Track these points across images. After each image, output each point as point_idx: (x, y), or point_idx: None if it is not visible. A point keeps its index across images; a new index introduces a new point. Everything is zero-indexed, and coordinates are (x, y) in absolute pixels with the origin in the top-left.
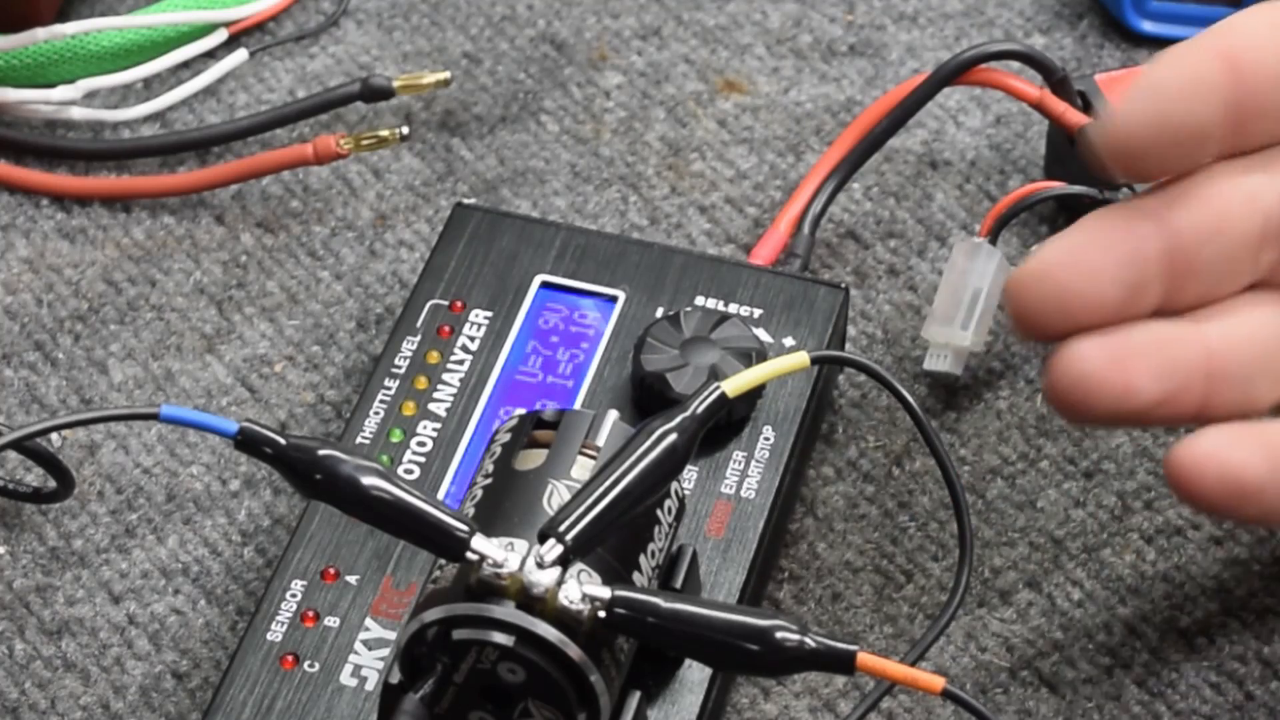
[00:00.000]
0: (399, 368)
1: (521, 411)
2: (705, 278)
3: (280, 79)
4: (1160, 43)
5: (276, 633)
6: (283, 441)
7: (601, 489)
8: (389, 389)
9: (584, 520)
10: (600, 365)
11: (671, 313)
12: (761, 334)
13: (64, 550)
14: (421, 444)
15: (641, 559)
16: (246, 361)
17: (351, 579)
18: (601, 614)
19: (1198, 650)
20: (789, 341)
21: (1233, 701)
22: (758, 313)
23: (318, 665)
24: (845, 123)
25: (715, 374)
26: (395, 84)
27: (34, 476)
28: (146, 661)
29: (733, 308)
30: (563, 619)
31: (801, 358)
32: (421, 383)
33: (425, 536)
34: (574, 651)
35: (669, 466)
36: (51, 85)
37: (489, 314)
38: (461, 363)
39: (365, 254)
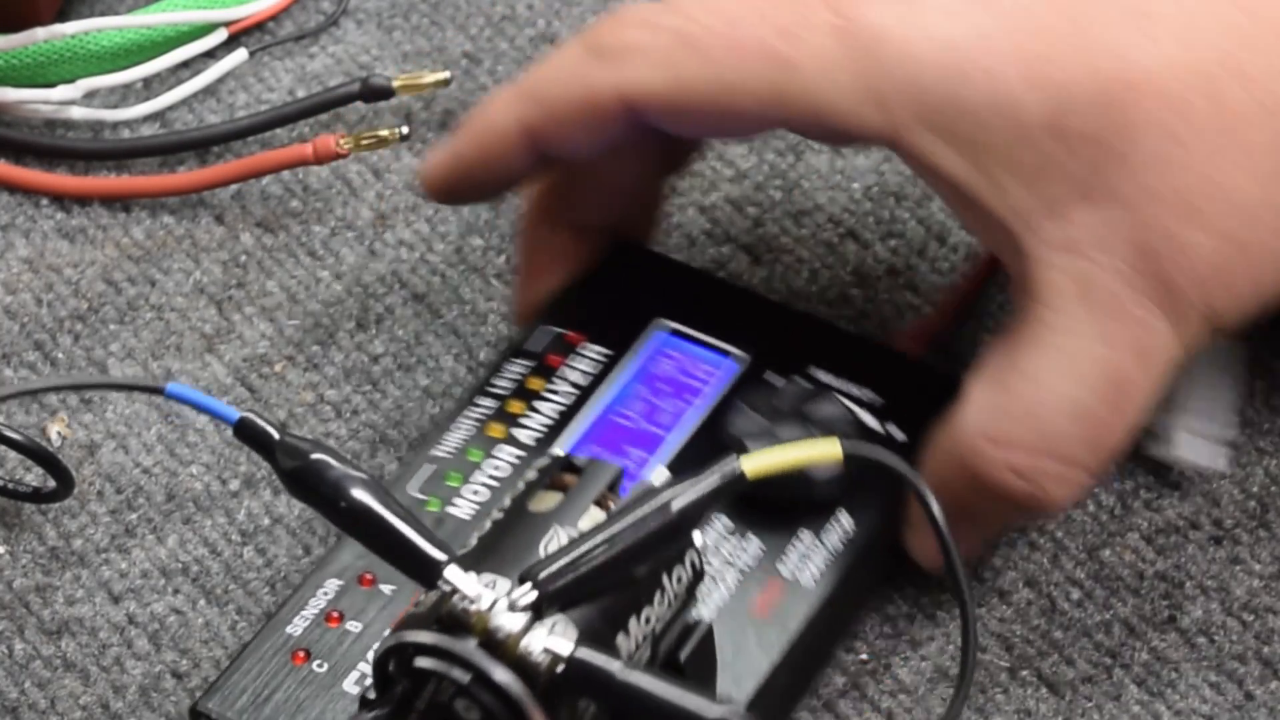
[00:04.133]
0: (498, 388)
1: (559, 453)
2: (835, 350)
3: (280, 79)
4: None
5: (297, 626)
6: (277, 436)
7: (591, 544)
8: (482, 407)
9: (567, 572)
10: (701, 423)
11: (775, 378)
12: (870, 419)
13: (64, 550)
14: (497, 468)
15: (633, 622)
16: (246, 361)
17: (387, 588)
18: (560, 669)
19: (1198, 650)
20: (897, 435)
21: (1233, 701)
22: (879, 401)
23: (326, 666)
24: None
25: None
26: (395, 84)
27: (34, 476)
28: (146, 661)
29: (853, 389)
30: (522, 666)
31: (833, 449)
32: (516, 407)
33: (399, 557)
34: (526, 700)
35: (666, 534)
36: (51, 85)
37: (605, 351)
38: (561, 394)
39: (365, 254)
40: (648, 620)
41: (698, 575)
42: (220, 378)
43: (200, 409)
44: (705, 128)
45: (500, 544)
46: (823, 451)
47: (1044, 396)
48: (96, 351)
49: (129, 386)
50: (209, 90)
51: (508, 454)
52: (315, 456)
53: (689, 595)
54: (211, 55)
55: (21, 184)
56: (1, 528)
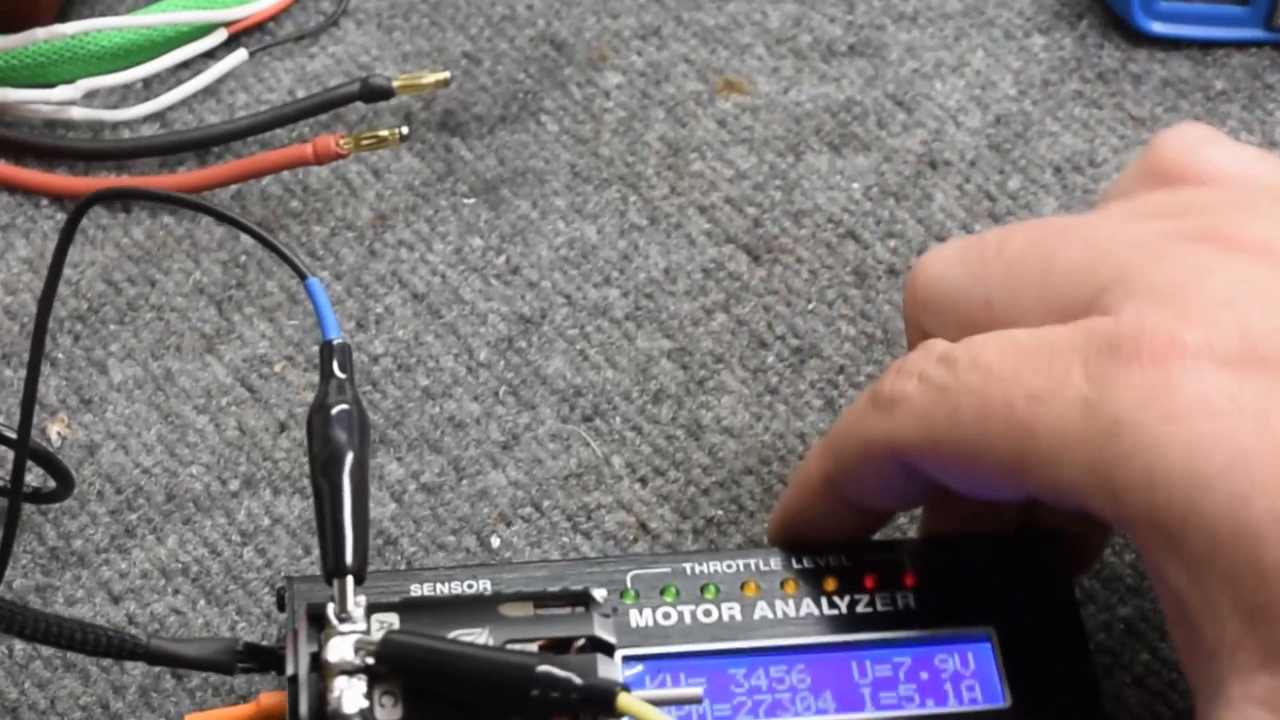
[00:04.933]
0: (799, 564)
1: (591, 590)
2: None
3: (280, 79)
4: (1167, 44)
5: None
6: (340, 377)
7: (456, 648)
8: (769, 568)
9: (416, 653)
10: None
11: None
12: None
13: (64, 550)
14: (706, 615)
15: None
16: (246, 361)
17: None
18: None
19: None
20: None
21: None
22: None
23: None
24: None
25: None
26: (395, 84)
27: (34, 476)
28: None
29: None
30: (323, 697)
31: None
32: (790, 589)
33: (324, 537)
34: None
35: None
36: (51, 85)
37: (917, 610)
38: (836, 610)
39: (365, 254)
40: None
41: None
42: (220, 378)
43: (317, 312)
44: (965, 485)
45: (442, 607)
46: None
47: None
48: (96, 352)
49: (288, 259)
50: (209, 90)
51: (728, 613)
52: (338, 409)
53: None
54: (211, 55)
55: (21, 184)
56: (2, 528)
